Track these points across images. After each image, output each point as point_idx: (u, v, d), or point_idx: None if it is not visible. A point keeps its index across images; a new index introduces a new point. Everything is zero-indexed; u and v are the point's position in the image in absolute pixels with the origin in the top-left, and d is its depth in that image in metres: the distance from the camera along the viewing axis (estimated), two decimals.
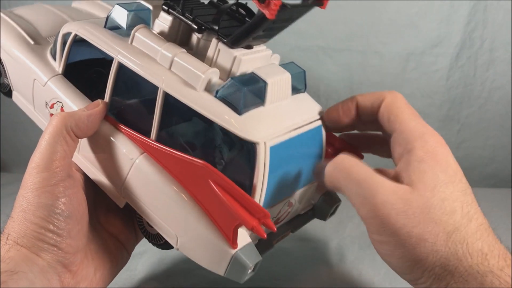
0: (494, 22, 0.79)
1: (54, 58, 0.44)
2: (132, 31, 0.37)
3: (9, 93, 0.50)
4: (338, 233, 0.62)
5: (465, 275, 0.28)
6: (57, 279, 0.32)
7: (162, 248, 0.39)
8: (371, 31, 0.81)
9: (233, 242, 0.32)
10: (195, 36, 0.37)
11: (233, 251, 0.32)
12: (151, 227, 0.38)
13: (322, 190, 0.43)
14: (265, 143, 0.32)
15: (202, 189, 0.33)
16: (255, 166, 0.32)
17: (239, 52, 0.34)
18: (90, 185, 0.40)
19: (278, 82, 0.35)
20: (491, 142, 0.84)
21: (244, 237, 0.33)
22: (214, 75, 0.34)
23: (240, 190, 0.31)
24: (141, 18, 0.39)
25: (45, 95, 0.43)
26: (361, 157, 0.40)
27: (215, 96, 0.33)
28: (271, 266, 0.53)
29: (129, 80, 0.38)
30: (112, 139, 0.38)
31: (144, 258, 0.53)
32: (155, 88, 0.35)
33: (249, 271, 0.33)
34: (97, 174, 0.40)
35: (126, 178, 0.37)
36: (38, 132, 0.90)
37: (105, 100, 0.39)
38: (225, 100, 0.33)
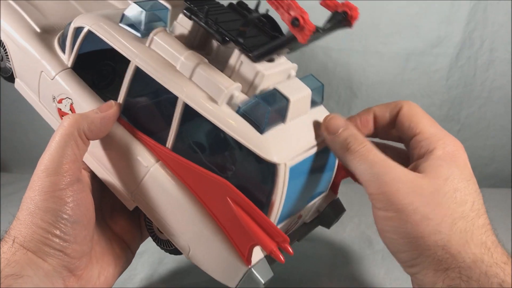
0: (494, 22, 0.79)
1: (63, 50, 0.42)
2: (151, 35, 0.36)
3: (11, 78, 0.47)
4: (338, 233, 0.62)
5: (469, 261, 0.28)
6: (61, 283, 0.32)
7: (170, 253, 0.39)
8: (371, 31, 0.81)
9: (247, 260, 0.33)
10: (215, 43, 0.36)
11: (247, 268, 0.33)
12: (162, 233, 0.38)
13: (329, 200, 0.43)
14: (285, 164, 0.32)
15: (219, 205, 0.33)
16: (274, 187, 0.32)
17: (262, 66, 0.33)
18: (96, 183, 0.39)
19: (300, 99, 0.35)
20: (491, 142, 0.84)
21: (257, 252, 0.34)
22: (236, 91, 0.33)
23: (259, 212, 0.31)
24: (158, 18, 0.37)
25: (53, 89, 0.41)
26: None
27: (237, 112, 0.32)
28: (272, 266, 0.53)
29: (146, 85, 0.37)
30: (126, 143, 0.37)
31: (144, 258, 0.53)
32: (175, 98, 0.34)
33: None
34: (106, 175, 0.39)
35: (139, 184, 0.36)
36: (38, 132, 0.91)
37: (118, 101, 0.37)
38: (247, 118, 0.32)
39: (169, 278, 0.51)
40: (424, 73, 0.82)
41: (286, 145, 0.33)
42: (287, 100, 0.33)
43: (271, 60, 0.35)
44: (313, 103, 0.37)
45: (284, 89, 0.34)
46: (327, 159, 0.38)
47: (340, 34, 0.86)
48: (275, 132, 0.33)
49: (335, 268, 0.54)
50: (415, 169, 0.33)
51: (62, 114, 0.41)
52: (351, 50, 0.82)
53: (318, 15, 0.87)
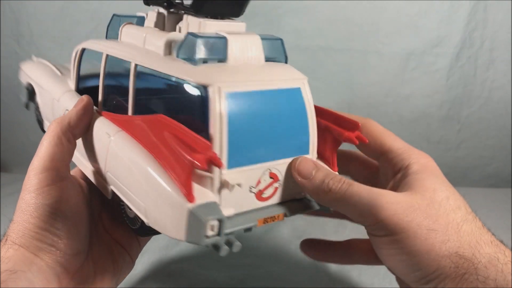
0: (494, 22, 0.80)
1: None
2: (120, 29, 0.40)
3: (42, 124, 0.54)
4: (338, 233, 0.62)
5: (485, 261, 0.28)
6: (56, 280, 0.32)
7: (139, 234, 0.38)
8: (371, 31, 0.81)
9: (188, 193, 0.29)
10: (178, 26, 0.38)
11: (189, 205, 0.28)
12: (130, 210, 0.36)
13: None
14: (219, 87, 0.30)
15: (162, 144, 0.31)
16: (209, 112, 0.30)
17: (205, 19, 0.35)
18: (95, 191, 0.40)
19: (243, 40, 0.34)
20: (491, 142, 0.84)
21: (207, 196, 0.30)
22: (175, 38, 0.34)
23: (184, 131, 0.29)
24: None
25: (59, 109, 0.44)
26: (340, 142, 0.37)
27: (177, 56, 0.33)
28: (271, 266, 0.53)
29: (114, 71, 0.39)
30: (100, 127, 0.38)
31: (144, 258, 0.53)
32: (129, 66, 0.36)
33: (210, 231, 0.28)
34: (88, 168, 0.40)
35: (106, 160, 0.36)
36: (38, 132, 0.91)
37: (100, 97, 0.40)
38: (183, 56, 0.33)
39: (169, 278, 0.51)
40: (424, 73, 0.82)
41: (224, 75, 0.32)
42: (224, 37, 0.33)
43: (219, 19, 0.36)
44: (273, 59, 0.37)
45: (223, 32, 0.34)
46: (293, 109, 0.35)
47: (340, 34, 0.87)
48: (213, 66, 0.32)
49: (335, 268, 0.54)
50: (397, 188, 0.33)
51: None
52: (351, 50, 0.82)
53: (319, 15, 0.87)
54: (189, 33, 0.32)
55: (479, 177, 0.84)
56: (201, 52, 0.32)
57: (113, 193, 0.37)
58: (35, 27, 0.84)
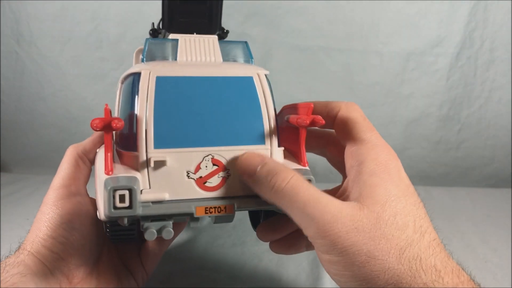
0: (494, 22, 0.80)
1: None
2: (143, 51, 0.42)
3: None
4: None
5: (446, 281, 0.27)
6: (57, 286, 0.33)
7: (112, 240, 0.39)
8: (371, 31, 0.81)
9: (106, 167, 0.30)
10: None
11: (103, 177, 0.29)
12: None
13: None
14: (150, 72, 0.32)
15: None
16: (136, 94, 0.31)
17: (180, 34, 0.38)
18: None
19: (196, 40, 0.36)
20: (491, 142, 0.84)
21: (129, 173, 0.30)
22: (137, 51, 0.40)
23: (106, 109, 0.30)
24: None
25: None
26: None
27: (142, 61, 0.36)
28: (271, 266, 0.53)
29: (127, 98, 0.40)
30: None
31: None
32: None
33: (118, 202, 0.28)
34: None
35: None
36: (38, 132, 0.90)
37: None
38: (142, 58, 0.36)
39: (169, 278, 0.51)
40: (424, 73, 0.82)
41: (163, 66, 0.33)
42: (177, 40, 0.36)
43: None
44: (237, 61, 0.38)
45: (180, 36, 0.37)
46: (243, 100, 0.34)
47: (340, 34, 0.87)
48: (159, 62, 0.35)
49: None
50: (347, 191, 0.31)
51: None
52: (351, 50, 0.82)
53: (319, 15, 0.86)
54: (146, 39, 0.36)
55: (479, 177, 0.84)
56: (150, 51, 0.36)
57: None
58: (35, 27, 0.84)
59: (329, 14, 0.81)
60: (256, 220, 0.42)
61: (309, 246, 0.39)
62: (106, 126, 0.29)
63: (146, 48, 0.36)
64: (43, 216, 0.35)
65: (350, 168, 0.32)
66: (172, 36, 0.38)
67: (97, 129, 0.28)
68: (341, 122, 0.33)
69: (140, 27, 0.76)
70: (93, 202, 0.39)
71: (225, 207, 0.32)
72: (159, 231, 0.30)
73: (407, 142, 0.84)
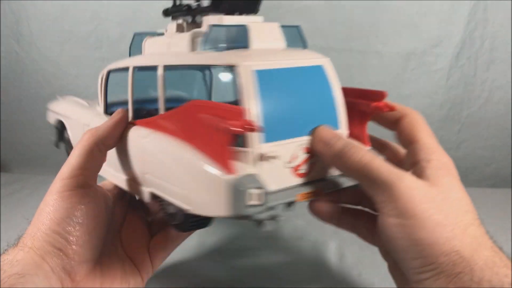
0: (494, 22, 0.79)
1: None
2: (142, 44, 0.42)
3: None
4: (338, 233, 0.62)
5: (481, 263, 0.29)
6: (58, 286, 0.32)
7: (182, 229, 0.38)
8: (371, 31, 0.81)
9: (225, 165, 0.29)
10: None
11: (228, 177, 0.29)
12: (172, 205, 0.36)
13: None
14: (247, 65, 0.31)
15: (196, 128, 0.32)
16: (240, 89, 0.31)
17: (225, 15, 0.36)
18: (121, 205, 0.42)
19: (262, 28, 0.36)
20: (491, 142, 0.84)
21: (246, 169, 0.30)
22: (198, 33, 0.36)
23: (218, 104, 0.30)
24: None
25: None
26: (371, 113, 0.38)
27: (202, 50, 0.35)
28: (271, 266, 0.53)
29: (142, 81, 0.41)
30: (130, 134, 0.39)
31: None
32: (156, 69, 0.37)
33: (252, 201, 0.29)
34: (121, 178, 0.41)
35: (144, 162, 0.37)
36: (38, 132, 0.91)
37: (130, 109, 0.41)
38: (208, 47, 0.35)
39: (169, 278, 0.51)
40: (424, 73, 0.82)
41: (250, 56, 0.33)
42: (243, 25, 0.35)
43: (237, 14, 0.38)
44: (292, 45, 0.38)
45: (242, 22, 0.36)
46: (319, 86, 0.36)
47: (340, 34, 0.87)
48: (237, 51, 0.34)
49: (335, 268, 0.54)
50: (417, 176, 0.33)
51: None
52: (351, 50, 0.82)
53: (319, 15, 0.87)
54: (211, 25, 0.34)
55: (479, 177, 0.84)
56: (223, 39, 0.34)
57: (152, 196, 0.38)
58: (35, 27, 0.84)
59: (329, 14, 0.81)
60: None
61: (350, 225, 0.43)
62: (247, 128, 0.28)
63: (213, 35, 0.34)
64: (47, 207, 0.33)
65: (413, 163, 0.35)
66: (211, 18, 0.37)
67: (237, 132, 0.28)
68: (409, 126, 0.37)
69: (140, 27, 0.76)
70: (102, 192, 0.38)
71: (316, 191, 0.34)
72: (271, 220, 0.31)
73: None
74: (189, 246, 0.56)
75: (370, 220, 0.40)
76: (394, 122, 0.38)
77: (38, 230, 0.32)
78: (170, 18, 0.43)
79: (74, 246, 0.33)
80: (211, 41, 0.34)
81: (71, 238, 0.33)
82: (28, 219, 0.34)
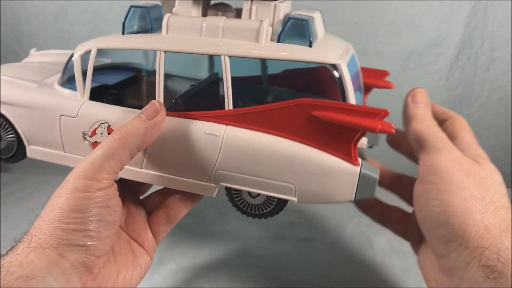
0: (494, 22, 0.79)
1: (70, 88, 0.41)
2: (164, 21, 0.38)
3: (15, 155, 0.45)
4: (338, 233, 0.62)
5: (508, 244, 0.29)
6: (77, 280, 0.31)
7: (264, 217, 0.40)
8: (371, 31, 0.81)
9: (355, 159, 0.34)
10: (212, 12, 0.39)
11: (358, 168, 0.34)
12: (255, 197, 0.39)
13: None
14: (343, 62, 0.35)
15: (304, 126, 0.34)
16: (345, 84, 0.34)
17: (275, 2, 0.37)
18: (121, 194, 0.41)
19: (318, 19, 0.39)
20: (491, 142, 0.84)
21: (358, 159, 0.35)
22: (267, 25, 0.36)
23: (347, 104, 0.34)
24: (158, 14, 0.40)
25: (81, 126, 0.40)
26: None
27: (278, 41, 0.36)
28: (271, 266, 0.53)
29: (180, 67, 0.40)
30: (184, 130, 0.37)
31: None
32: (217, 59, 0.36)
33: (376, 186, 0.34)
34: (172, 180, 0.39)
35: (218, 158, 0.36)
36: None
37: (157, 99, 0.38)
38: (290, 40, 0.36)
39: (169, 278, 0.51)
40: (424, 73, 0.82)
41: (330, 50, 0.36)
42: (312, 17, 0.36)
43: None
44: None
45: (301, 14, 0.37)
46: (357, 69, 0.40)
47: (340, 34, 0.86)
48: (316, 44, 0.36)
49: (334, 269, 0.54)
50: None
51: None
52: None
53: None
54: (291, 18, 0.35)
55: None
56: (311, 34, 0.35)
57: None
58: (35, 27, 0.84)
59: (329, 14, 0.81)
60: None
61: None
62: (388, 129, 0.32)
63: (293, 27, 0.36)
64: (66, 205, 0.31)
65: None
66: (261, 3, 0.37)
67: (381, 132, 0.32)
68: (453, 126, 0.41)
69: None
70: (116, 187, 0.36)
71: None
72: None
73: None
74: (188, 246, 0.56)
75: (404, 215, 0.44)
76: (440, 123, 0.40)
77: (57, 229, 0.31)
78: None
79: (96, 242, 0.32)
80: (294, 34, 0.35)
81: (93, 234, 0.32)
82: (29, 219, 0.34)
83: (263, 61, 0.40)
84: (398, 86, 0.85)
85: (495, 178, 0.34)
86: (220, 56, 0.35)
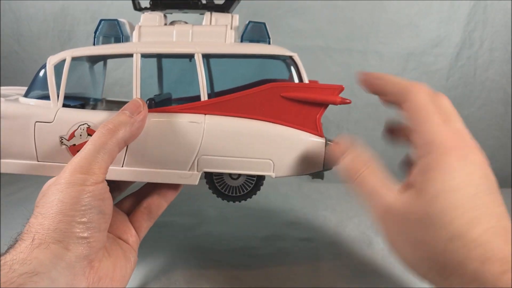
0: (494, 22, 0.80)
1: (38, 98, 0.42)
2: (135, 30, 0.42)
3: None
4: (337, 233, 0.62)
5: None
6: (82, 274, 0.32)
7: (244, 199, 0.43)
8: (371, 31, 0.81)
9: (320, 132, 0.39)
10: (206, 21, 0.45)
11: (324, 140, 0.39)
12: (236, 179, 0.43)
13: None
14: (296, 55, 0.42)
15: (277, 107, 0.39)
16: (301, 72, 0.42)
17: (233, 14, 0.44)
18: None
19: None
20: (491, 142, 0.84)
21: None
22: (230, 29, 0.43)
23: (309, 84, 0.41)
24: (122, 28, 0.45)
25: (58, 130, 0.40)
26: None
27: (241, 41, 0.42)
28: (271, 266, 0.53)
29: (162, 67, 0.46)
30: (166, 122, 0.40)
31: (141, 259, 0.53)
32: (190, 57, 0.42)
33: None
34: (154, 173, 0.40)
35: (200, 144, 0.39)
36: None
37: (136, 96, 0.40)
38: (249, 39, 0.42)
39: (169, 278, 0.51)
40: (424, 73, 0.83)
41: (282, 47, 0.43)
42: (264, 23, 0.43)
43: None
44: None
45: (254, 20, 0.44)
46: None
47: (340, 34, 0.87)
48: (272, 45, 0.43)
49: (334, 268, 0.54)
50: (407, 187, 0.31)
51: (76, 149, 0.40)
52: (351, 50, 0.82)
53: (318, 15, 0.86)
54: (251, 21, 0.42)
55: None
56: (257, 35, 0.42)
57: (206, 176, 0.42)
58: (35, 27, 0.84)
59: (329, 14, 0.81)
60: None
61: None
62: (344, 101, 0.41)
63: (251, 30, 0.42)
64: (66, 198, 0.32)
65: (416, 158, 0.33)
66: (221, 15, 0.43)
67: (339, 103, 0.39)
68: (409, 111, 0.35)
69: None
70: (106, 184, 0.36)
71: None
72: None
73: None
74: (186, 244, 0.56)
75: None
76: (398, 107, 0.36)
77: (60, 222, 0.31)
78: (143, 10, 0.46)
79: (97, 234, 0.33)
80: (254, 35, 0.42)
81: (95, 226, 0.33)
82: (29, 219, 0.34)
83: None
84: None
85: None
86: (193, 53, 0.41)
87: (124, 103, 0.39)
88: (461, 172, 0.31)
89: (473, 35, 0.81)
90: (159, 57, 0.48)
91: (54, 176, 0.37)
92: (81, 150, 0.35)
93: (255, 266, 0.53)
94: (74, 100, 0.43)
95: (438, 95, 0.36)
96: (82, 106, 0.44)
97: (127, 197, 0.46)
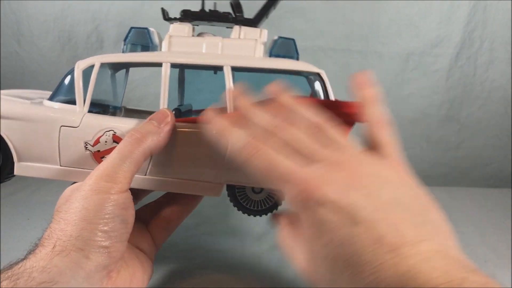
0: (494, 22, 0.80)
1: (63, 102, 0.42)
2: (165, 39, 0.42)
3: None
4: None
5: None
6: (99, 285, 0.31)
7: (265, 213, 0.43)
8: (371, 31, 0.81)
9: None
10: (234, 34, 0.45)
11: None
12: (258, 193, 0.43)
13: None
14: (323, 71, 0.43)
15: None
16: (327, 88, 0.43)
17: (262, 29, 0.45)
18: None
19: None
20: (491, 142, 0.84)
21: None
22: (260, 43, 0.43)
23: (341, 101, 0.40)
24: (152, 36, 0.44)
25: (84, 135, 0.40)
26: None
27: (269, 55, 0.43)
28: (271, 266, 0.53)
29: (184, 78, 0.47)
30: (192, 134, 0.38)
31: None
32: (218, 69, 0.41)
33: None
34: (178, 183, 0.40)
35: (226, 154, 0.37)
36: None
37: (163, 106, 0.39)
38: (280, 55, 0.43)
39: (169, 278, 0.51)
40: (424, 73, 0.83)
41: (310, 64, 0.44)
42: (292, 39, 0.45)
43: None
44: None
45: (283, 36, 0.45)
46: None
47: (340, 34, 0.87)
48: (299, 61, 0.44)
49: None
50: None
51: (100, 155, 0.40)
52: (351, 50, 0.82)
53: (318, 16, 0.86)
54: (280, 38, 0.44)
55: (479, 177, 0.84)
56: (285, 50, 0.44)
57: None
58: (35, 27, 0.84)
59: (329, 14, 0.81)
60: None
61: None
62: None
63: (279, 45, 0.44)
64: (90, 205, 0.31)
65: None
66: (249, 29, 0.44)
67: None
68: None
69: None
70: (130, 193, 0.35)
71: None
72: None
73: (406, 142, 0.84)
74: (189, 245, 0.56)
75: None
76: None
77: (83, 230, 0.31)
78: (170, 19, 0.44)
79: (117, 244, 0.32)
80: (282, 50, 0.43)
81: (116, 235, 0.32)
82: (29, 219, 0.34)
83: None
84: (398, 86, 0.85)
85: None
86: (222, 65, 0.40)
87: (144, 112, 0.40)
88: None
89: (473, 35, 0.81)
90: (185, 67, 0.48)
91: (75, 182, 0.37)
92: (106, 158, 0.34)
93: (256, 265, 0.53)
94: (94, 107, 0.42)
95: None
96: (102, 113, 0.43)
97: (145, 206, 0.45)
